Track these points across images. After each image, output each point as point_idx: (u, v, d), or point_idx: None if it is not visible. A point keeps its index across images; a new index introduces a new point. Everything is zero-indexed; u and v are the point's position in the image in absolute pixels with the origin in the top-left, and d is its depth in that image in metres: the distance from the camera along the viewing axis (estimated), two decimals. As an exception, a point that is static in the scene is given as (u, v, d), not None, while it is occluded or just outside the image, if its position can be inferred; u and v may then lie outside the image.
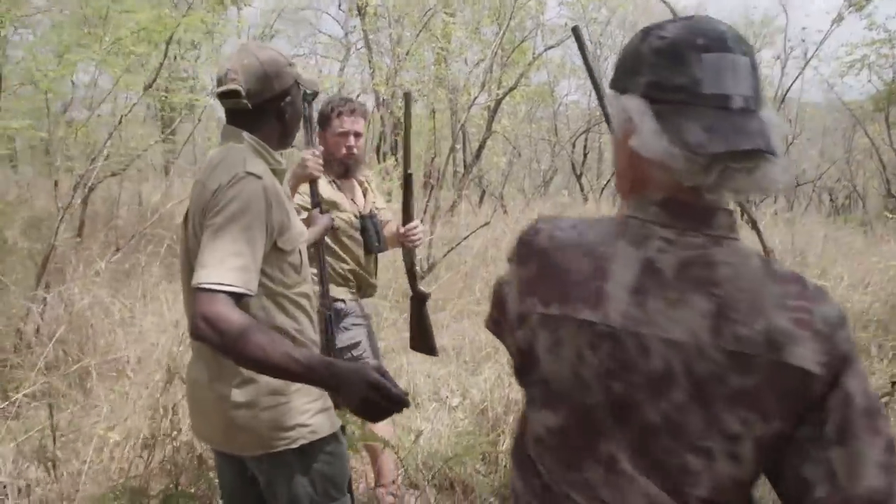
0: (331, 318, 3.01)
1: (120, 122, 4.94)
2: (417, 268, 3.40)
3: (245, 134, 2.08)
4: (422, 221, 4.46)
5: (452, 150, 10.14)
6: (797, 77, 13.26)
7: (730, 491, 1.13)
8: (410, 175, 3.19)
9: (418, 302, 3.28)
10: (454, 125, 11.33)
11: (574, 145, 18.87)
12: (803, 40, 14.73)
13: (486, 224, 7.59)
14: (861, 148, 19.60)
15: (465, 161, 13.85)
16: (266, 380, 1.99)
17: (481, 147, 12.48)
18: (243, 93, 2.02)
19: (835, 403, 1.08)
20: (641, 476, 1.14)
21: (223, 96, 2.05)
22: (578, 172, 18.54)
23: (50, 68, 5.26)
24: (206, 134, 19.95)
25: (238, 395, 2.02)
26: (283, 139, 2.20)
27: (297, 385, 2.02)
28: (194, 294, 1.75)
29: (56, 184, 5.97)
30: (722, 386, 1.08)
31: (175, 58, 9.77)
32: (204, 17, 5.91)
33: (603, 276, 1.14)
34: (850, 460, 1.07)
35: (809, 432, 1.09)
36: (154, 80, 4.94)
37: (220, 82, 2.06)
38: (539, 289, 1.20)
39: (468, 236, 7.46)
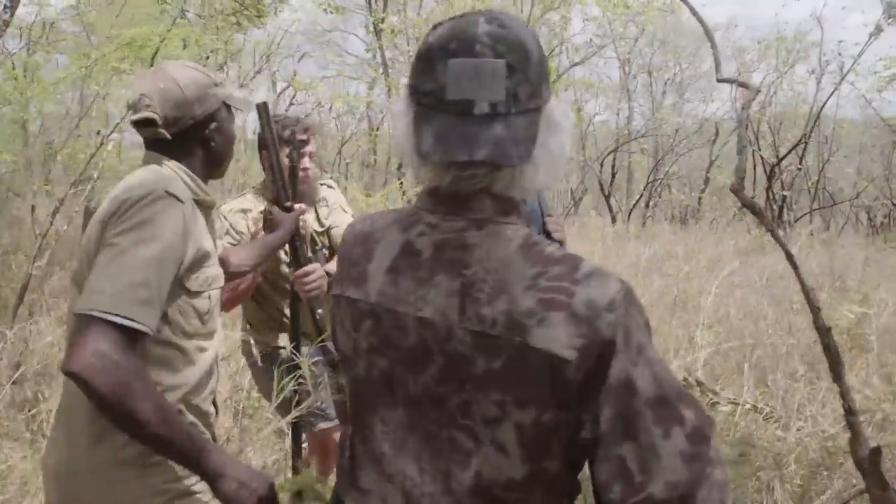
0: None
1: (102, 144, 4.56)
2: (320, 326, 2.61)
3: (167, 160, 1.78)
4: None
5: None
6: (832, 93, 12.66)
7: (502, 487, 1.10)
8: (290, 208, 2.45)
9: (330, 368, 2.57)
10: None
11: (602, 165, 18.35)
12: (839, 54, 14.01)
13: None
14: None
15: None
16: (111, 444, 1.58)
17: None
18: (159, 121, 1.74)
19: (609, 393, 1.04)
20: (409, 450, 1.15)
21: (138, 125, 1.76)
22: (607, 192, 17.99)
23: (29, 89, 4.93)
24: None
25: (72, 462, 1.61)
26: (211, 169, 1.91)
27: (158, 457, 1.60)
28: (80, 321, 1.41)
29: (33, 209, 5.61)
30: (472, 367, 1.08)
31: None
32: (190, 32, 5.52)
33: (369, 258, 1.21)
34: (643, 455, 1.02)
35: (591, 429, 1.05)
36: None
37: (134, 108, 1.76)
38: (336, 275, 1.29)
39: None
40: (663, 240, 11.76)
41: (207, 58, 13.55)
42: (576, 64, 11.87)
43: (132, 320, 1.42)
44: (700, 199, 19.71)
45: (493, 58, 1.05)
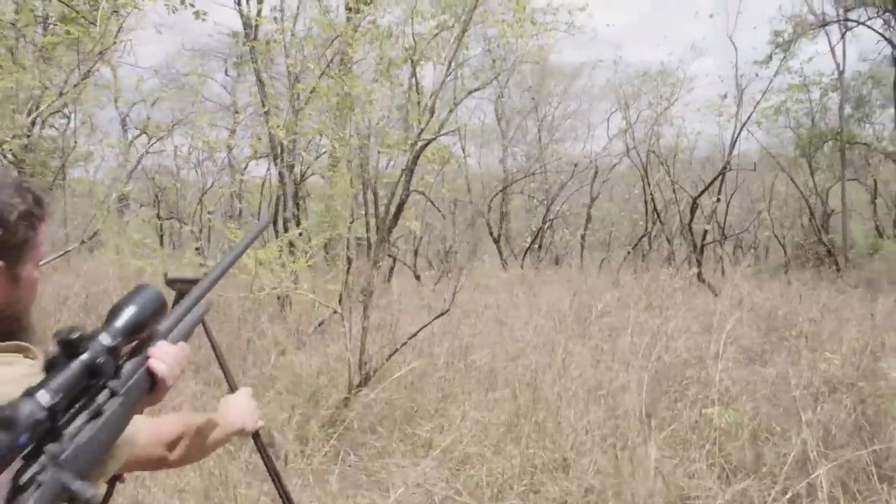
0: None
1: None
2: None
3: None
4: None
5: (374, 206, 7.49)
6: (744, 124, 11.35)
7: None
8: None
9: None
10: (366, 181, 8.73)
11: (490, 207, 16.51)
12: (743, 87, 12.86)
13: (445, 313, 4.90)
14: (758, 197, 18.35)
15: (377, 226, 11.21)
16: None
17: (400, 209, 9.90)
18: None
19: None
20: None
21: None
22: (496, 236, 16.13)
23: None
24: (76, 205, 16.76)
25: None
26: None
27: None
28: None
29: None
30: None
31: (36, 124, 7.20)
32: None
33: None
34: None
35: None
36: None
37: None
38: None
39: (427, 325, 4.78)
40: (585, 286, 9.92)
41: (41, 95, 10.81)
42: (475, 89, 9.95)
43: None
44: (584, 236, 18.32)
45: None
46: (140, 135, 18.68)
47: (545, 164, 17.32)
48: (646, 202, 14.98)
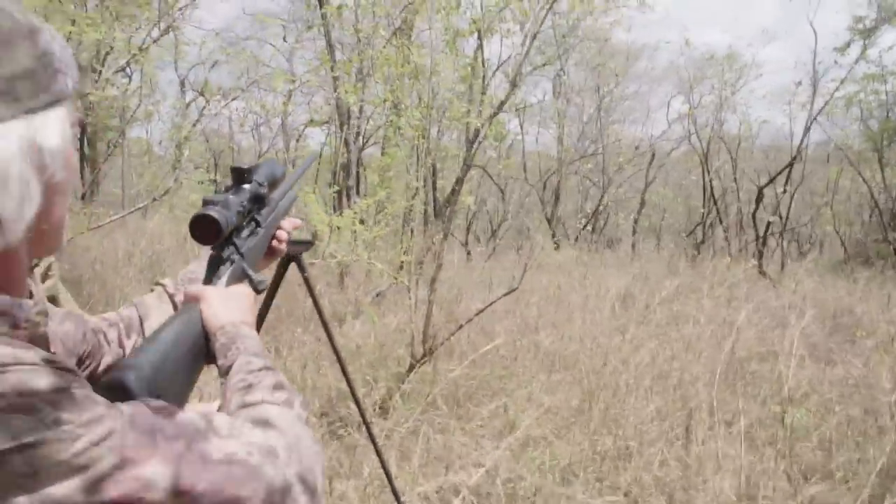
0: None
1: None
2: None
3: None
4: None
5: (433, 179, 7.38)
6: (811, 122, 10.88)
7: None
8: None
9: None
10: (428, 151, 8.57)
11: (545, 186, 16.28)
12: (820, 75, 12.28)
13: (514, 290, 4.79)
14: (818, 191, 17.80)
15: (434, 200, 11.14)
16: None
17: (460, 182, 9.80)
18: None
19: None
20: None
21: None
22: (548, 215, 15.91)
23: None
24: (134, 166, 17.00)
25: None
26: None
27: None
28: None
29: None
30: None
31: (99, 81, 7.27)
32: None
33: None
34: None
35: None
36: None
37: None
38: None
39: (493, 303, 4.69)
40: (642, 271, 9.72)
41: (107, 54, 10.86)
42: (543, 65, 9.75)
43: None
44: (636, 221, 18.01)
45: None
46: (198, 97, 18.80)
47: (604, 144, 16.98)
48: (704, 189, 14.63)
